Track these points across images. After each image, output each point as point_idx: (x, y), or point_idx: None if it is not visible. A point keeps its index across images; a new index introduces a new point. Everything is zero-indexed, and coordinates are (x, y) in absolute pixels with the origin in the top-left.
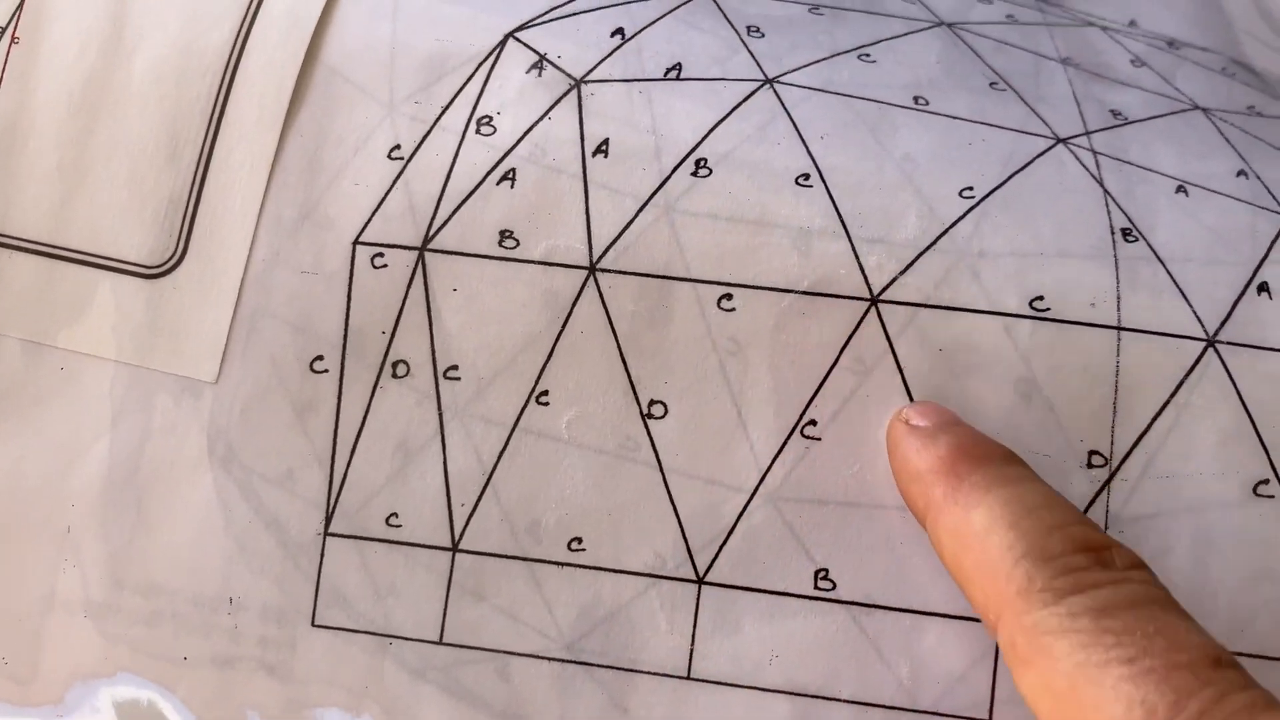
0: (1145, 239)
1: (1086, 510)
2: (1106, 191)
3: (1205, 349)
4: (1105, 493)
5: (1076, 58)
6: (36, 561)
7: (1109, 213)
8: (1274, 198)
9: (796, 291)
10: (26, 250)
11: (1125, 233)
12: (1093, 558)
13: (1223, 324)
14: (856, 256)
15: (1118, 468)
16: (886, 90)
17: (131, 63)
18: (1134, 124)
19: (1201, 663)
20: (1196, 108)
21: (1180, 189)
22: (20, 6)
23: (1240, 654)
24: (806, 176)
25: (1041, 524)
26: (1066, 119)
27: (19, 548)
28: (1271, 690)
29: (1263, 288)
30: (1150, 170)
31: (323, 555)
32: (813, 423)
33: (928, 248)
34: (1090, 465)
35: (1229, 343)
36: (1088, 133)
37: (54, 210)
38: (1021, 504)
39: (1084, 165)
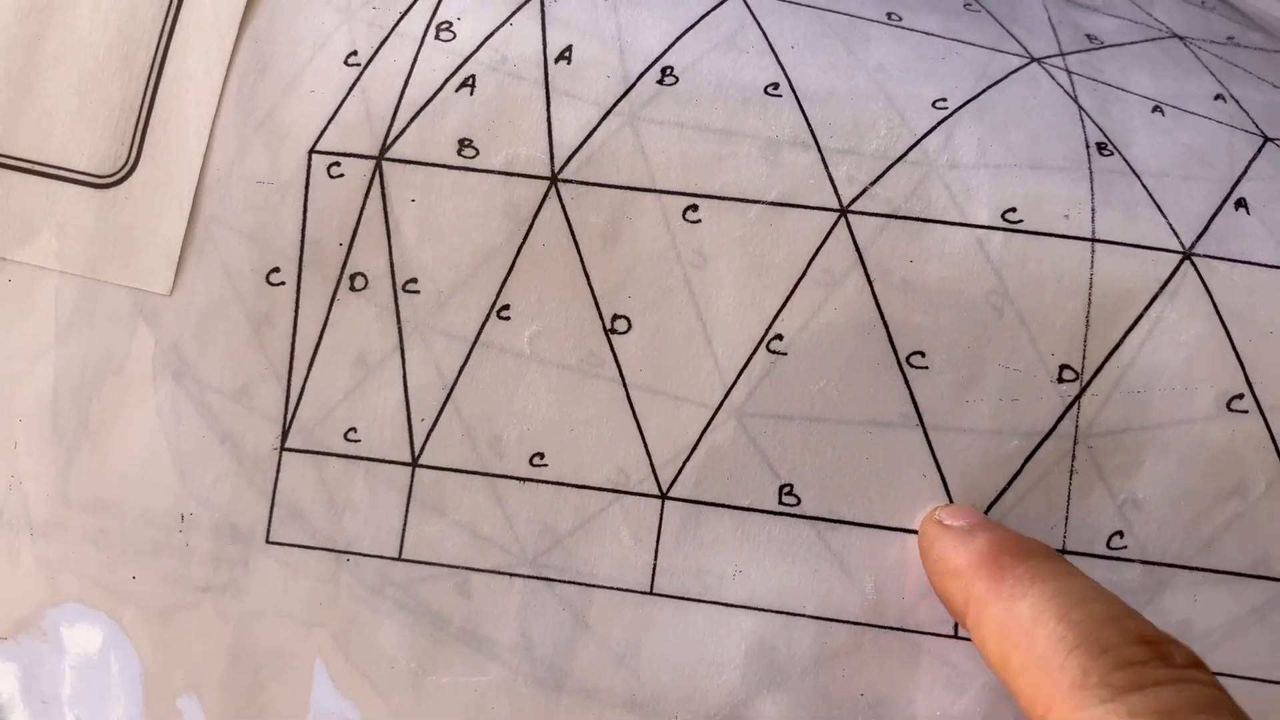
0: (1120, 153)
1: (1056, 424)
2: (1081, 108)
3: (1181, 261)
4: (1075, 407)
5: None
6: None
7: (1084, 127)
8: (1252, 120)
9: (764, 202)
10: None
11: (1100, 147)
12: (1151, 651)
13: (1199, 237)
14: (826, 167)
15: (1089, 382)
16: (859, 5)
17: None
18: (1110, 48)
19: None
20: (1174, 35)
21: (1156, 109)
22: None
23: (1203, 569)
24: (776, 86)
25: (1094, 615)
26: (1041, 40)
27: None
28: (1233, 606)
29: (1240, 203)
30: (1126, 91)
31: (279, 471)
32: (779, 337)
33: (899, 159)
34: (1061, 380)
35: (1206, 255)
36: (1063, 54)
37: (2, 118)
38: (1070, 596)
39: (1058, 83)
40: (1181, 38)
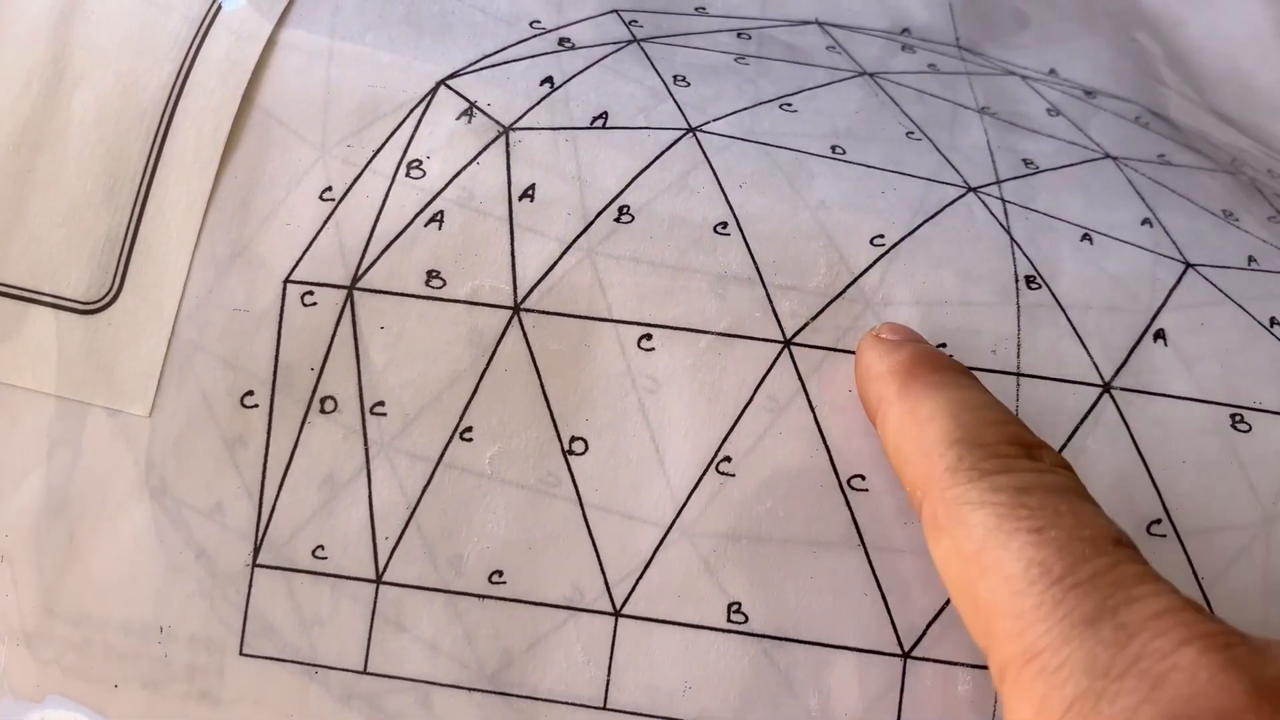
0: (1048, 286)
1: None
2: (1013, 239)
3: (1101, 394)
4: None
5: (994, 106)
6: None
7: (1014, 260)
8: (1175, 245)
9: (713, 333)
10: None
11: (1029, 280)
12: (1023, 451)
13: (1118, 370)
14: (771, 302)
15: None
16: (806, 139)
17: (71, 101)
18: (1044, 173)
19: (1103, 538)
20: (1107, 156)
21: (1085, 237)
22: None
23: None
24: (725, 225)
25: (980, 419)
26: (979, 168)
27: None
28: None
29: (1159, 334)
30: (1057, 219)
31: (251, 585)
32: (727, 459)
33: (837, 296)
34: None
35: (1123, 389)
36: (998, 181)
37: None
38: (964, 401)
39: (992, 213)
40: (1115, 158)
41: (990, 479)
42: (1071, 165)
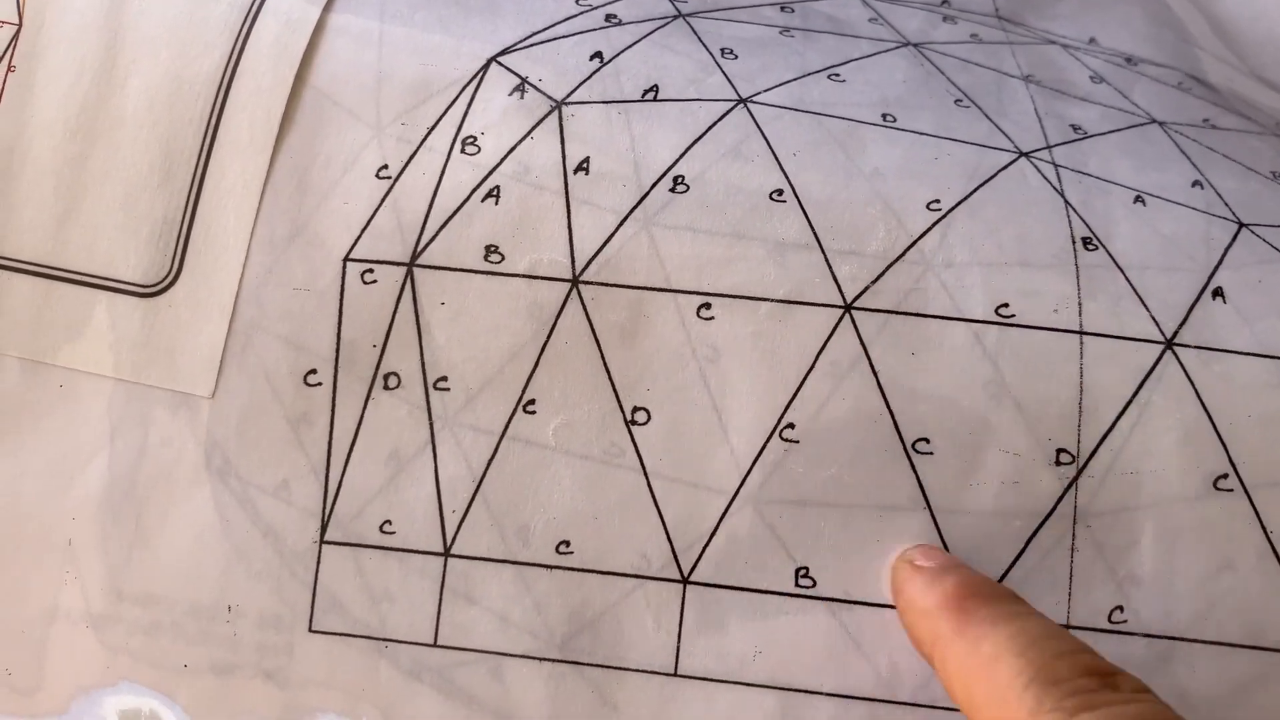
0: (1105, 247)
1: (1056, 505)
2: (1067, 202)
3: (1164, 351)
4: (1073, 489)
5: (1038, 75)
6: (38, 575)
7: (1070, 223)
8: (1228, 206)
9: (772, 300)
10: (25, 271)
11: (1085, 241)
12: (1099, 681)
13: (1180, 327)
14: (830, 267)
15: (1085, 464)
16: (855, 108)
17: (125, 89)
18: (1093, 138)
19: None
20: (1153, 121)
21: (1138, 199)
22: (16, 36)
23: (1200, 641)
24: (780, 192)
25: (1048, 652)
26: (1028, 134)
27: (21, 562)
28: (1229, 677)
29: (1217, 292)
30: (1109, 182)
31: (319, 563)
32: (791, 426)
33: (897, 259)
34: (1059, 463)
35: (1186, 345)
36: (1049, 146)
37: (51, 232)
38: (1027, 635)
39: (1045, 177)
40: (1160, 123)
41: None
42: (1119, 130)
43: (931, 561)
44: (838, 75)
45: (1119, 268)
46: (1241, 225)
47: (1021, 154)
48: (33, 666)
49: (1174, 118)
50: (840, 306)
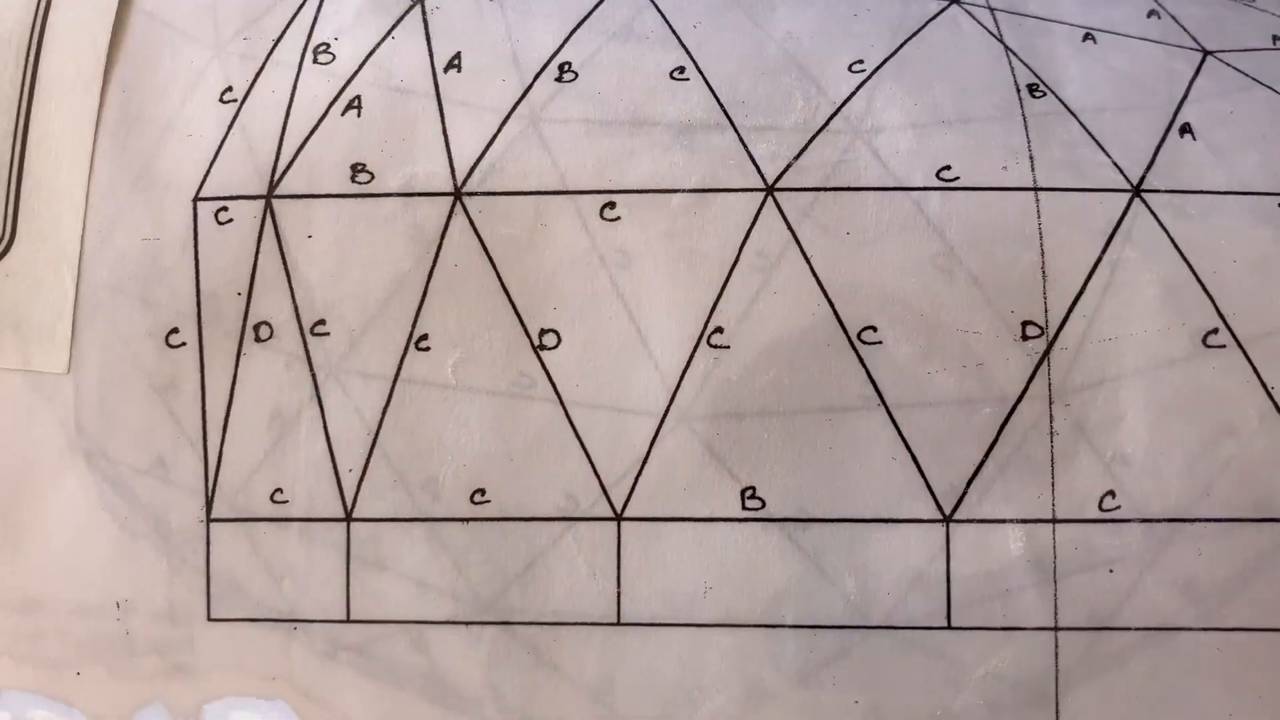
0: (1054, 93)
1: (1027, 386)
2: (1007, 48)
3: (1131, 200)
4: (1045, 364)
5: None
6: None
7: (1012, 70)
8: (1189, 34)
9: (684, 190)
10: None
11: (1032, 89)
12: None
13: (1146, 172)
14: (745, 146)
15: (1055, 336)
16: None
17: None
18: None
19: None
20: None
21: (1087, 36)
22: None
23: (1203, 520)
24: (681, 70)
25: None
26: None
27: None
28: (1238, 556)
29: (1185, 129)
30: (1052, 21)
31: (209, 544)
32: (719, 330)
33: (820, 129)
34: (1025, 337)
35: (1155, 190)
36: None
37: None
38: None
39: (980, 23)
40: None
41: None
42: None
43: None
44: None
45: (1071, 113)
46: (1206, 53)
47: (952, 1)
48: None
49: None
50: (761, 190)
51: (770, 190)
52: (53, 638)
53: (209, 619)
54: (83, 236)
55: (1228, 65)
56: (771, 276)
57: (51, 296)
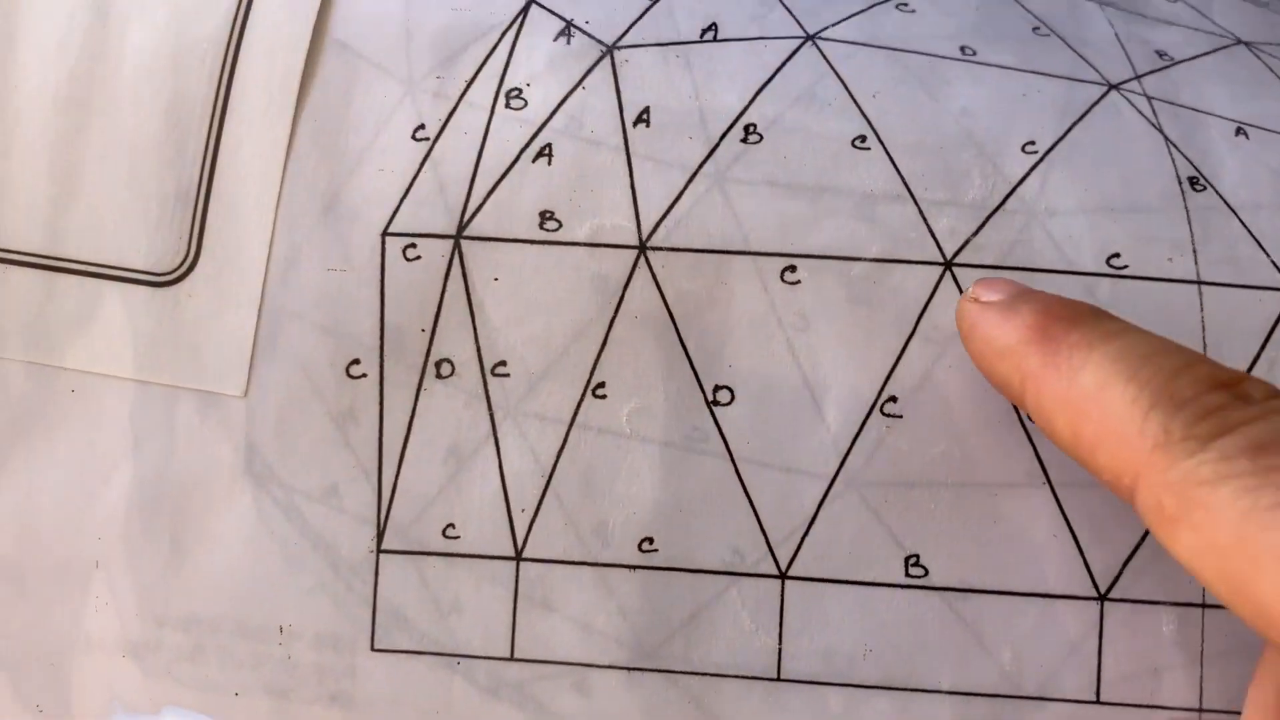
0: (1213, 187)
1: None
2: (1166, 138)
3: None
4: None
5: None
6: (63, 602)
7: (1173, 161)
8: None
9: (865, 259)
10: (22, 264)
11: (1193, 181)
12: (1229, 394)
13: None
14: (925, 220)
15: None
16: (932, 41)
17: (121, 52)
18: (1181, 64)
19: None
20: (1239, 42)
21: (1239, 131)
22: None
23: None
24: (863, 138)
25: (1163, 369)
26: (1114, 62)
27: (43, 589)
28: None
29: None
30: (1205, 113)
31: (377, 574)
32: (893, 399)
33: (997, 208)
34: None
35: None
36: (1137, 76)
37: (48, 218)
38: (1134, 353)
39: (1139, 111)
40: (1247, 43)
41: (1215, 447)
42: (1206, 54)
43: (999, 293)
44: (906, 5)
45: (1231, 209)
46: None
47: (1111, 86)
48: (64, 700)
49: (1259, 36)
50: (940, 264)
51: (949, 265)
52: (213, 657)
53: (372, 649)
54: (268, 263)
55: None
56: (946, 350)
57: (233, 320)
